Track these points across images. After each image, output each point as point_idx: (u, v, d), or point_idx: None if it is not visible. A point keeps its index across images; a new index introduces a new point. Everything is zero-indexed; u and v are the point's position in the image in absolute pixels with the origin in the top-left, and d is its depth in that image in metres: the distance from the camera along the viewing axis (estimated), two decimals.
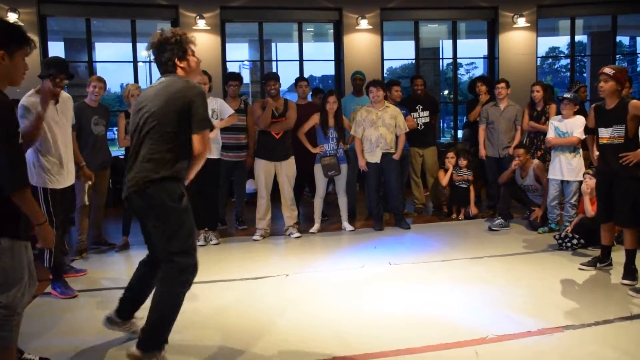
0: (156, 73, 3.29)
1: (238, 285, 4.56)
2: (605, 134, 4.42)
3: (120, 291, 4.44)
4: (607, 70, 4.32)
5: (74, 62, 12.59)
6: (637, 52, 19.72)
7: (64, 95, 4.40)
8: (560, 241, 5.40)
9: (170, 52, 3.12)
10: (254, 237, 6.11)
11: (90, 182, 5.05)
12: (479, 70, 18.45)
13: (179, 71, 3.16)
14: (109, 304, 4.16)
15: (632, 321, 3.59)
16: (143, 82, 14.37)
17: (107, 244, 5.88)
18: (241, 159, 6.46)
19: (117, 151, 6.99)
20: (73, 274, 4.87)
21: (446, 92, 21.13)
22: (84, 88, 5.77)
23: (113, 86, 25.08)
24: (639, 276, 4.34)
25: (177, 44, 3.13)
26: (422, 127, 7.22)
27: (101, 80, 5.65)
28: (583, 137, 5.80)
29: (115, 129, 6.09)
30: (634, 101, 4.28)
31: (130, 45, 9.69)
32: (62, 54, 12.04)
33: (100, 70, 10.48)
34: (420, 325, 3.58)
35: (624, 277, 4.35)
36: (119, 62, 11.21)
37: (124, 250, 5.76)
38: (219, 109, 5.81)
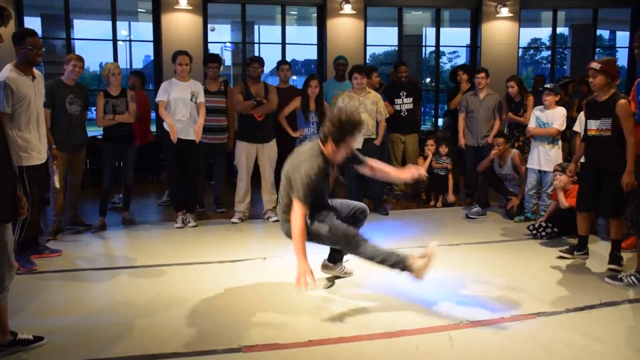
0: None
1: (215, 267, 4.56)
2: (593, 125, 4.47)
3: (96, 272, 4.45)
4: (594, 65, 4.33)
5: (52, 39, 12.34)
6: (617, 45, 19.94)
7: (36, 72, 4.32)
8: (534, 231, 5.48)
9: (330, 129, 3.57)
10: (233, 220, 6.10)
11: (55, 163, 4.97)
12: (462, 59, 18.54)
13: (325, 146, 3.64)
14: (85, 285, 4.16)
15: (602, 308, 3.67)
16: (122, 61, 14.14)
17: (83, 225, 5.80)
18: (221, 141, 6.42)
19: (94, 131, 6.88)
20: (48, 254, 4.82)
21: (428, 80, 21.16)
22: (61, 66, 5.65)
23: (92, 65, 24.68)
24: (622, 262, 4.47)
25: (340, 128, 3.54)
26: (406, 113, 7.24)
27: (81, 59, 5.52)
28: (562, 128, 5.90)
29: (94, 108, 6.00)
30: (623, 101, 4.28)
31: (109, 23, 9.49)
32: (38, 31, 11.75)
33: (79, 48, 10.20)
34: (396, 310, 3.62)
35: (610, 262, 4.45)
36: (98, 40, 10.91)
37: (100, 231, 5.69)
38: (198, 92, 5.77)
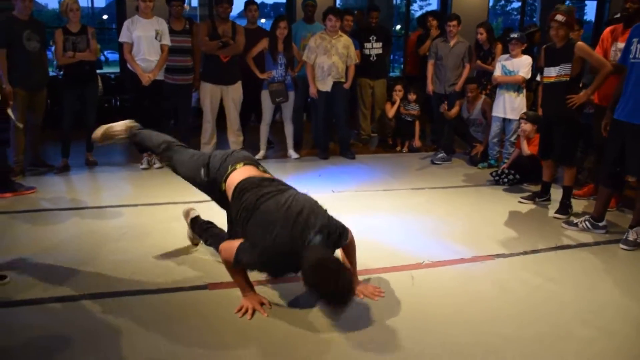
0: None
1: (181, 208, 4.51)
2: (552, 72, 4.55)
3: (61, 212, 4.39)
4: (559, 17, 4.37)
5: None
6: None
7: None
8: (497, 177, 5.61)
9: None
10: None
11: (10, 103, 4.82)
12: (432, 6, 18.32)
13: None
14: (49, 225, 4.11)
15: (557, 251, 3.84)
16: None
17: (45, 166, 5.68)
18: (186, 82, 6.28)
19: (54, 71, 6.63)
20: (23, 191, 4.81)
21: (398, 27, 20.90)
22: (10, 1, 5.33)
23: (50, 2, 23.54)
24: (571, 211, 4.63)
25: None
26: (375, 58, 7.18)
27: None
28: (528, 76, 5.95)
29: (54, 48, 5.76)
30: (580, 43, 4.40)
31: None
32: None
33: None
34: (360, 250, 3.65)
35: (557, 212, 4.62)
36: None
37: (63, 172, 5.59)
38: (163, 31, 5.60)
